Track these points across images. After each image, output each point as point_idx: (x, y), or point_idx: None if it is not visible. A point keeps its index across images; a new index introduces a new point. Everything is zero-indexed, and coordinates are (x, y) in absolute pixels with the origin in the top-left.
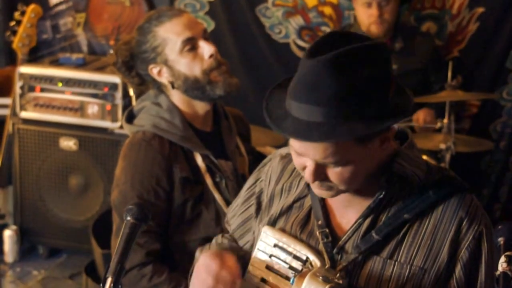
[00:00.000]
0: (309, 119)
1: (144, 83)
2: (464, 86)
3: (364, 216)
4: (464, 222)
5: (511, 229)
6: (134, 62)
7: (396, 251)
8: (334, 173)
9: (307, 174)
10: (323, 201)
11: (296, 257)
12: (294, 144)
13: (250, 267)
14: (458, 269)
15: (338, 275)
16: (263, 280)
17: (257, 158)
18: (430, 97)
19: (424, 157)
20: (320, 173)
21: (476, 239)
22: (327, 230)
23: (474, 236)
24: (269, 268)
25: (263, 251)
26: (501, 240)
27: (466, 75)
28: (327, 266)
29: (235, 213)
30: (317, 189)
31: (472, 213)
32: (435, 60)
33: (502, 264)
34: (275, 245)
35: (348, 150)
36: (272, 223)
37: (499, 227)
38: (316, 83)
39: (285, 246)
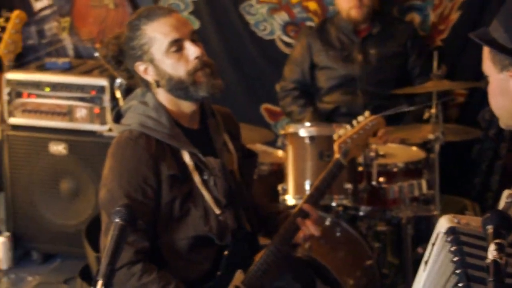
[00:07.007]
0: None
1: (133, 78)
2: (449, 76)
3: None
4: None
5: (499, 217)
6: (123, 57)
7: None
8: None
9: None
10: None
11: None
12: None
13: None
14: None
15: None
16: None
17: (246, 155)
18: (417, 88)
19: (414, 148)
20: None
21: None
22: None
23: None
24: None
25: None
26: (490, 228)
27: (450, 64)
28: None
29: None
30: None
31: None
32: (415, 43)
33: (492, 252)
34: None
35: (487, 62)
36: None
37: (487, 215)
38: None
39: None
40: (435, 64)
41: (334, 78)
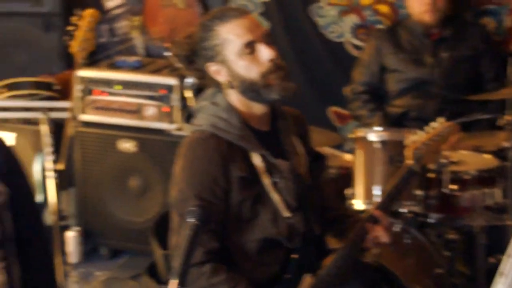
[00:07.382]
0: None
1: (204, 78)
2: None
3: None
4: None
5: None
6: (195, 57)
7: None
8: None
9: None
10: None
11: None
12: None
13: None
14: None
15: None
16: None
17: (315, 158)
18: (492, 94)
19: (487, 155)
20: None
21: None
22: None
23: None
24: None
25: None
26: None
27: None
28: None
29: None
30: None
31: None
32: (488, 46)
33: None
34: None
35: None
36: None
37: None
38: None
39: None
40: (510, 70)
41: (403, 81)
